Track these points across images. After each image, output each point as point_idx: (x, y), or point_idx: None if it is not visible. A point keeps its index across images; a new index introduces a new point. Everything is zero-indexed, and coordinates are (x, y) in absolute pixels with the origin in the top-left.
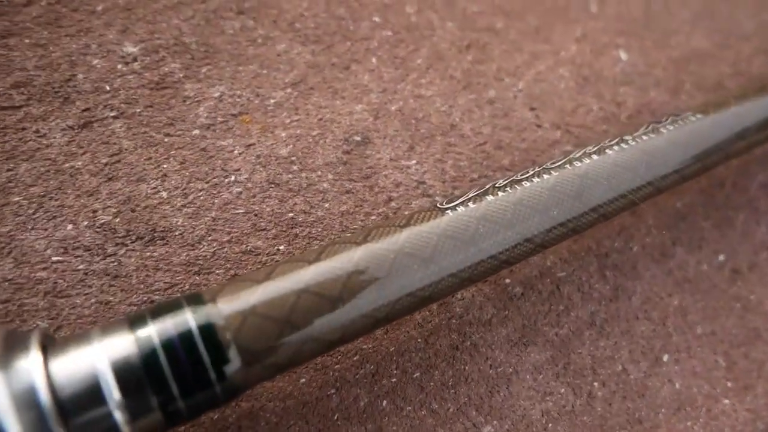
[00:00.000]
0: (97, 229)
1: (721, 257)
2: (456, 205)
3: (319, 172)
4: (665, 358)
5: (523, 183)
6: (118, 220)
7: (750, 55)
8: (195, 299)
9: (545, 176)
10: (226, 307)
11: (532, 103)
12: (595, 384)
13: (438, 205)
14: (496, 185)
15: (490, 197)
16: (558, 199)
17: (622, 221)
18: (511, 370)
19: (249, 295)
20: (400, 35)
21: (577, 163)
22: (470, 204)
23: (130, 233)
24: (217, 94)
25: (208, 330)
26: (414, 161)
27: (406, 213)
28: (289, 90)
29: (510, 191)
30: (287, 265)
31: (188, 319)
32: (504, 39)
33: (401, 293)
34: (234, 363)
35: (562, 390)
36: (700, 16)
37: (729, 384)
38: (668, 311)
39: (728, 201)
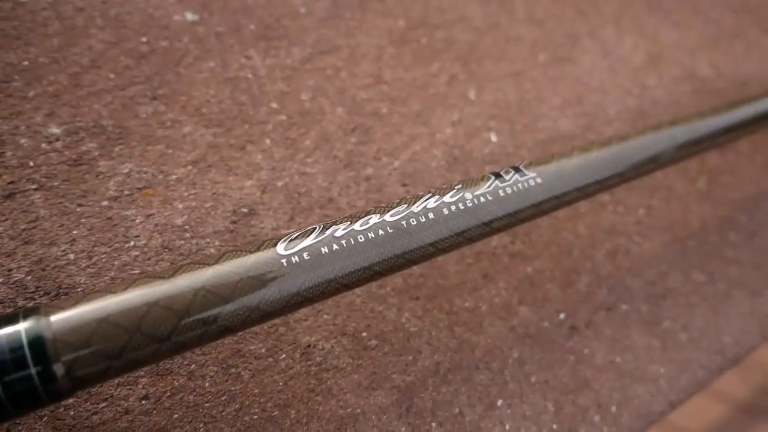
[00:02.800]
0: (11, 286)
1: (562, 315)
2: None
3: (208, 239)
4: (499, 403)
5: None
6: (29, 278)
7: (609, 136)
8: (32, 311)
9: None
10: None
11: (404, 179)
12: (433, 424)
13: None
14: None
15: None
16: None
17: (475, 284)
18: (359, 411)
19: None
20: (293, 119)
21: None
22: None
23: (39, 289)
24: (126, 170)
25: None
26: (293, 230)
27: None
28: (189, 167)
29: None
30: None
31: (20, 330)
32: (387, 122)
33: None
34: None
35: (403, 429)
36: (570, 102)
37: (555, 426)
38: (507, 362)
39: (575, 265)
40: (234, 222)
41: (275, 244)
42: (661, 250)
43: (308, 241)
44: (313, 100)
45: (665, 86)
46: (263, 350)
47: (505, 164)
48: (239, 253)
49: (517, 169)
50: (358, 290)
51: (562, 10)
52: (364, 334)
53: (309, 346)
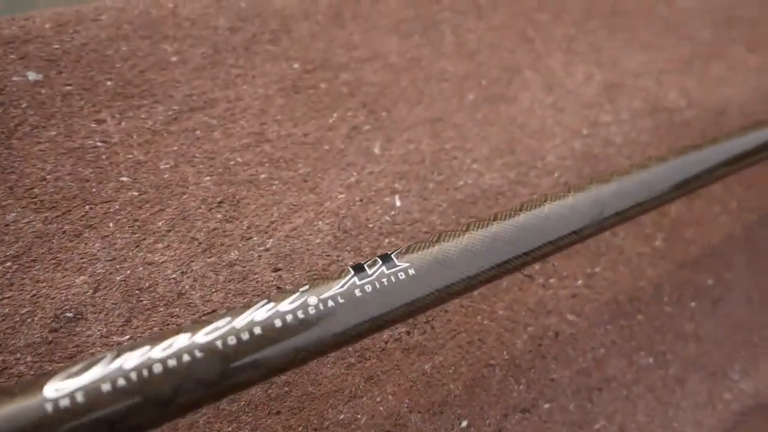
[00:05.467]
0: None
1: (464, 423)
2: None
3: (19, 354)
4: None
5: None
6: None
7: (548, 189)
8: None
9: None
10: None
11: (278, 263)
12: None
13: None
14: None
15: None
16: None
17: (355, 389)
18: None
19: None
20: (146, 195)
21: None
22: None
23: None
24: None
25: None
26: (127, 336)
27: None
28: (8, 263)
29: None
30: None
31: None
32: (265, 191)
33: None
34: None
35: None
36: (500, 150)
37: None
38: None
39: (487, 357)
40: (54, 330)
41: (43, 385)
42: (601, 330)
43: (87, 377)
44: (175, 168)
45: (623, 122)
46: None
47: (408, 234)
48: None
49: (386, 259)
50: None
51: (501, 38)
52: None
53: None
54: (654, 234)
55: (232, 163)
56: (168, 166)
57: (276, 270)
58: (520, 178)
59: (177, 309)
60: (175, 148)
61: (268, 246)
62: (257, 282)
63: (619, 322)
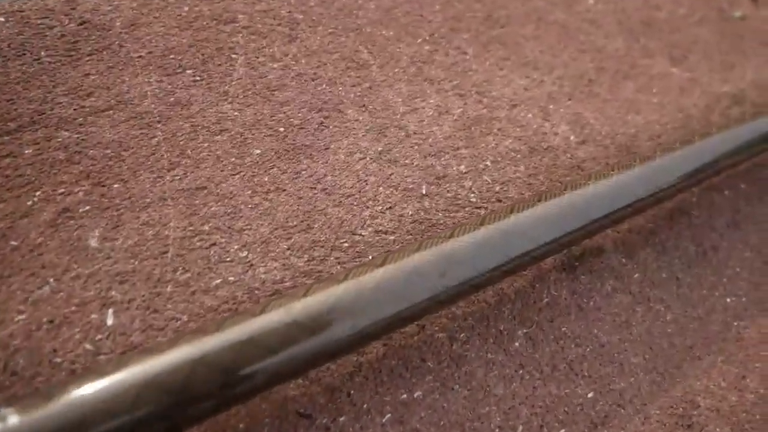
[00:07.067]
0: None
1: None
2: None
3: None
4: None
5: None
6: None
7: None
8: None
9: None
10: None
11: None
12: None
13: None
14: None
15: None
16: None
17: None
18: None
19: None
20: None
21: None
22: None
23: None
24: None
25: None
26: None
27: None
28: None
29: None
30: None
31: None
32: None
33: None
34: None
35: None
36: (289, 229)
37: None
38: None
39: None
40: None
41: None
42: None
43: None
44: None
45: (483, 171)
46: None
47: None
48: None
49: None
50: None
51: (319, 65)
52: None
53: None
54: (512, 331)
55: None
56: None
57: None
58: (313, 266)
59: None
60: None
61: None
62: None
63: None
